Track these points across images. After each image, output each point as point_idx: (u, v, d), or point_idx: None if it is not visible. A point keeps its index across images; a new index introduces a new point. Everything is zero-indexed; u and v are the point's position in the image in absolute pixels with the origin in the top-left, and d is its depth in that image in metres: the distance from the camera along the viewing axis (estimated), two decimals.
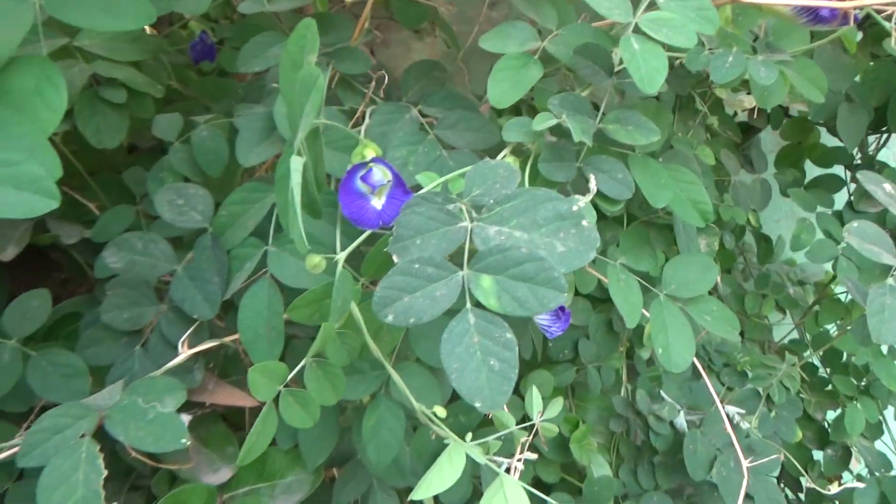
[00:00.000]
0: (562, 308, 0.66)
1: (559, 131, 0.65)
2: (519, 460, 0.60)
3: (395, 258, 0.52)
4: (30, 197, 0.48)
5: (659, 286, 0.75)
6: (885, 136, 1.55)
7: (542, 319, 0.68)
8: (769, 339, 1.74)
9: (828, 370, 1.55)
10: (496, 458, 0.61)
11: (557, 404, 0.65)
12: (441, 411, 0.61)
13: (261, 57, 0.79)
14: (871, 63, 1.40)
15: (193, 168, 0.82)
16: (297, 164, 0.45)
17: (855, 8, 0.59)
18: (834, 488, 0.82)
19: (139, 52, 0.86)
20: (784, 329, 1.78)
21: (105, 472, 0.59)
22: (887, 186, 0.66)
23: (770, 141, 1.81)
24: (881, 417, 1.46)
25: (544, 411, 0.65)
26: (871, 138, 1.59)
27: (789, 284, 1.76)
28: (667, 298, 0.75)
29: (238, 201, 0.72)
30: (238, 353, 0.88)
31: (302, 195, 0.49)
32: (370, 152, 0.62)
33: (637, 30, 0.59)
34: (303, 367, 0.58)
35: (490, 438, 0.63)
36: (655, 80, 0.56)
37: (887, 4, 0.61)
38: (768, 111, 1.58)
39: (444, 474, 0.54)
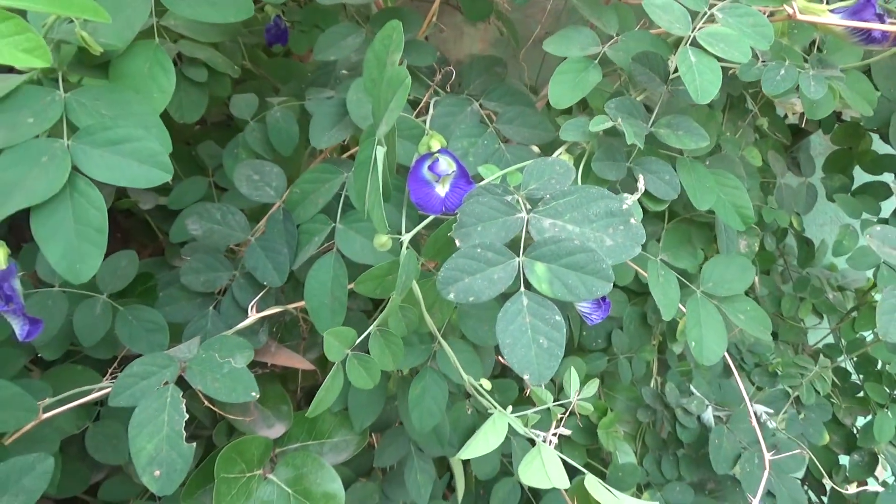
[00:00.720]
0: (604, 297, 0.72)
1: (612, 132, 0.71)
2: (555, 434, 0.66)
3: (457, 242, 0.58)
4: (149, 170, 0.56)
5: (696, 283, 0.80)
6: None
7: (584, 307, 0.74)
8: (803, 342, 1.77)
9: (860, 377, 1.58)
10: (533, 430, 0.67)
11: (593, 385, 0.72)
12: (487, 384, 0.67)
13: (336, 47, 0.86)
14: None
15: (266, 146, 0.90)
16: (381, 154, 0.52)
17: None
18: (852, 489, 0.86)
19: (219, 33, 0.93)
20: (820, 333, 1.81)
21: (186, 416, 0.67)
22: None
23: (820, 144, 1.82)
24: None
25: (581, 391, 0.71)
26: None
27: (829, 289, 1.78)
28: (703, 295, 0.80)
29: (310, 180, 0.79)
30: (296, 321, 0.96)
31: None
32: (436, 144, 0.68)
33: (694, 42, 0.64)
34: (366, 335, 0.65)
35: (530, 412, 0.69)
36: (709, 91, 0.61)
37: None
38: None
39: (489, 439, 0.60)
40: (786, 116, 1.69)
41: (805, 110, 0.78)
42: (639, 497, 1.42)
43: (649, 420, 1.47)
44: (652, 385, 1.51)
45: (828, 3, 0.74)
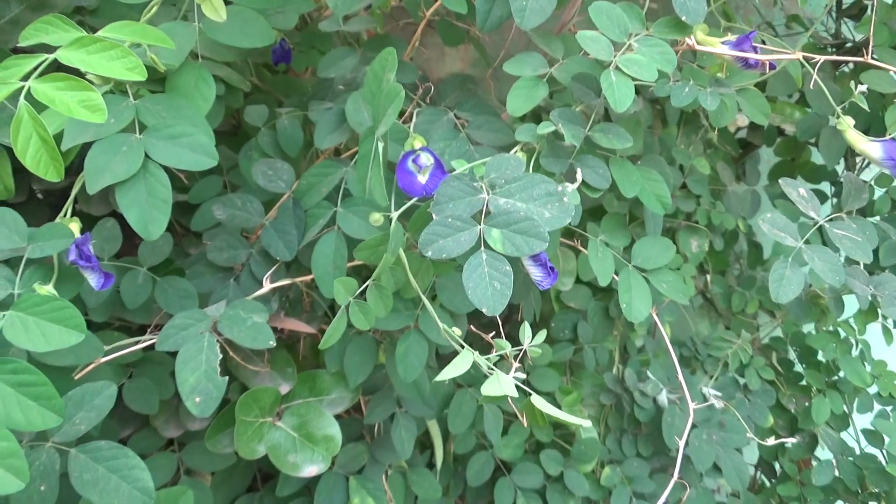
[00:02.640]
0: (551, 267, 0.94)
1: (557, 135, 0.94)
2: (513, 373, 0.88)
3: (434, 216, 0.80)
4: (200, 157, 0.78)
5: (628, 258, 1.03)
6: None
7: (536, 276, 0.96)
8: (754, 336, 2.00)
9: (803, 365, 1.81)
10: (494, 369, 0.89)
11: (542, 335, 0.93)
12: (458, 331, 0.89)
13: (336, 66, 1.08)
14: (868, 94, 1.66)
15: (276, 149, 1.12)
16: (381, 146, 0.74)
17: (769, 59, 0.86)
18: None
19: (234, 54, 1.16)
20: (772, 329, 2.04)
21: (221, 356, 0.88)
22: (802, 190, 0.94)
23: (771, 157, 2.08)
24: (846, 409, 1.71)
25: (532, 339, 0.92)
26: (859, 158, 1.86)
27: None
28: (633, 269, 1.03)
29: (315, 174, 1.01)
30: (300, 297, 1.17)
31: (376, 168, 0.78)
32: (418, 143, 0.90)
33: (616, 66, 0.87)
34: (365, 288, 0.87)
35: (492, 354, 0.91)
36: (625, 102, 0.84)
37: (788, 58, 0.89)
38: (763, 129, 1.85)
39: (458, 367, 0.82)
40: (737, 130, 1.95)
41: (711, 119, 1.01)
42: (600, 471, 1.63)
43: (611, 403, 1.69)
44: (614, 372, 1.73)
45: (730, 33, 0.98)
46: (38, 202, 1.18)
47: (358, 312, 0.86)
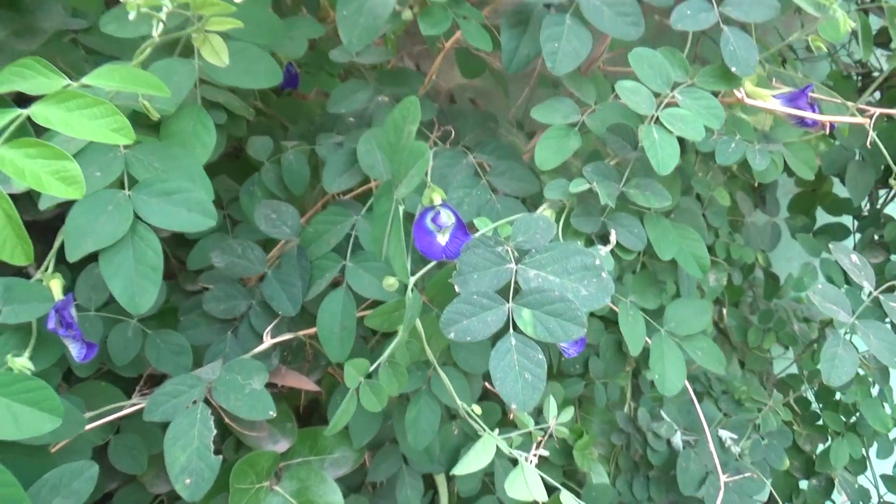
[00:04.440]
0: None
1: (589, 192, 0.84)
2: (535, 455, 0.79)
3: (457, 288, 0.70)
4: (197, 217, 0.68)
5: (661, 322, 0.94)
6: (894, 190, 1.72)
7: (563, 343, 0.87)
8: (769, 371, 1.91)
9: (820, 405, 1.73)
10: (517, 451, 0.79)
11: (569, 412, 0.84)
12: (477, 409, 0.80)
13: (347, 100, 0.98)
14: (885, 123, 1.57)
15: (280, 185, 1.02)
16: (400, 212, 0.65)
17: (830, 120, 0.77)
18: None
19: None
20: (785, 363, 1.96)
21: (215, 431, 0.78)
22: (853, 257, 0.85)
23: (789, 183, 1.99)
24: (864, 454, 1.63)
25: (559, 416, 0.83)
26: (882, 192, 1.77)
27: (795, 321, 1.93)
28: (667, 334, 0.93)
29: (323, 221, 0.91)
30: (302, 345, 1.07)
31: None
32: (437, 197, 0.81)
33: (657, 121, 0.78)
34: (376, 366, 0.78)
35: (514, 434, 0.82)
36: (668, 165, 0.75)
37: (850, 122, 0.79)
38: None
39: (480, 457, 0.73)
40: None
41: (755, 176, 0.92)
42: None
43: (622, 443, 1.60)
44: (626, 409, 1.64)
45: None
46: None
47: (370, 393, 0.76)
